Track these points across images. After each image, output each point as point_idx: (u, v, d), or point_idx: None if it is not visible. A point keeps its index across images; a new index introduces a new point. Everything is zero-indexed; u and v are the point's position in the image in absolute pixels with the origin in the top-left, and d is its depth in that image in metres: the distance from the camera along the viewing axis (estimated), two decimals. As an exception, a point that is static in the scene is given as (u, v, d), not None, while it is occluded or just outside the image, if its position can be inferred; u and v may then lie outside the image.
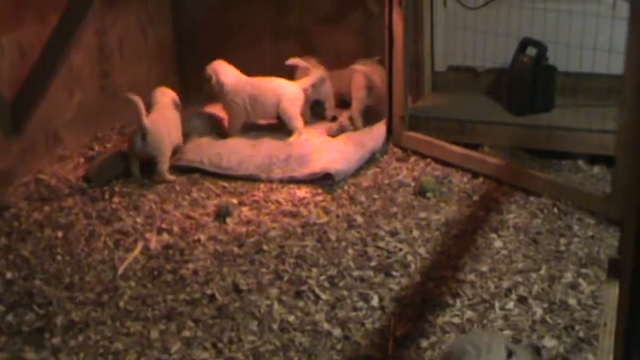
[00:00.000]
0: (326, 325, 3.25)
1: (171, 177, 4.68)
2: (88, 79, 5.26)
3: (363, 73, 5.19)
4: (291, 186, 4.54)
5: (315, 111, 5.32)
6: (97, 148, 5.14)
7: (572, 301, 3.32)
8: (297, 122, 4.99)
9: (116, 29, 5.52)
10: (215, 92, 5.07)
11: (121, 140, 5.21)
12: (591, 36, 4.49)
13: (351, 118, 5.15)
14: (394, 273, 3.61)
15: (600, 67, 4.60)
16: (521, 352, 2.68)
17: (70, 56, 4.68)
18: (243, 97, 4.99)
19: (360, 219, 4.12)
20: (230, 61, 5.25)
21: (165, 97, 5.00)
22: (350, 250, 3.82)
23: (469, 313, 3.27)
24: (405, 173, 4.65)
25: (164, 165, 4.70)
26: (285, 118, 4.98)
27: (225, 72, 5.06)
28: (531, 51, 4.92)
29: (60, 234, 4.06)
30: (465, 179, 4.53)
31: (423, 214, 4.15)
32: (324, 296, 3.45)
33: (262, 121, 5.16)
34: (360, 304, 3.39)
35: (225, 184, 4.62)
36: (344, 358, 3.09)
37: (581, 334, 3.10)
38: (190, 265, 3.75)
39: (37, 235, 4.05)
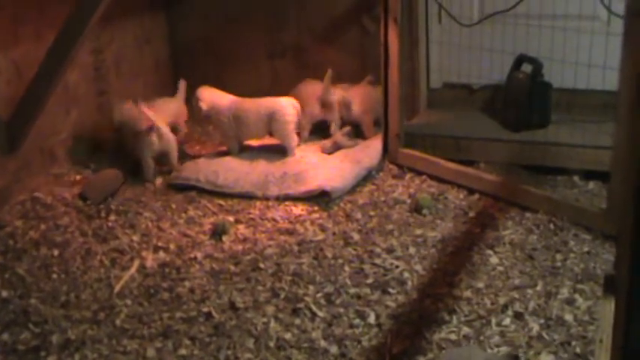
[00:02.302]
0: (322, 343, 3.24)
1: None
2: (85, 97, 5.27)
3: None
4: (288, 203, 4.55)
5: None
6: (92, 166, 5.15)
7: (568, 317, 3.31)
8: (291, 141, 4.96)
9: (112, 48, 5.54)
10: (208, 115, 5.10)
11: (118, 158, 5.23)
12: (586, 52, 4.51)
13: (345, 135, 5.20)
14: (391, 290, 3.60)
15: (595, 84, 4.62)
16: None
17: (67, 74, 4.68)
18: (227, 116, 5.00)
19: (356, 236, 4.12)
20: (226, 79, 5.27)
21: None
22: (346, 268, 3.82)
23: (465, 330, 3.26)
24: (400, 190, 4.65)
25: (175, 156, 5.01)
26: (277, 137, 4.99)
27: (206, 97, 5.07)
28: (527, 67, 4.94)
29: (56, 252, 4.06)
30: (461, 196, 4.54)
31: (419, 231, 4.15)
32: (320, 313, 3.45)
33: (254, 142, 5.15)
34: (357, 321, 3.38)
35: (222, 202, 4.62)
36: (341, 375, 3.09)
37: (577, 350, 3.10)
38: (187, 283, 3.74)
39: (33, 253, 4.05)
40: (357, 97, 5.26)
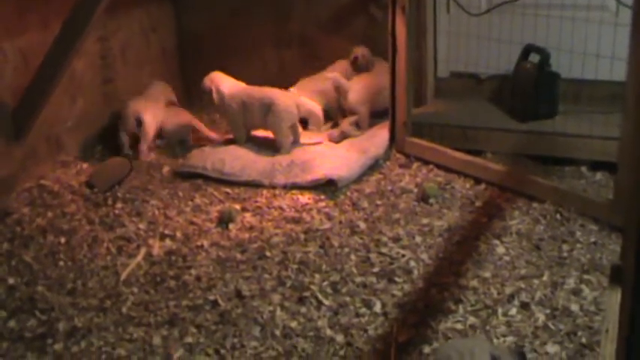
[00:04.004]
0: (328, 331, 3.25)
1: None
2: (91, 85, 5.27)
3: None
4: (294, 192, 4.54)
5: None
6: (99, 154, 5.17)
7: (574, 307, 3.31)
8: (283, 138, 4.90)
9: (119, 36, 5.54)
10: (215, 102, 5.07)
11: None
12: (594, 43, 4.50)
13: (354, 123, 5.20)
14: (397, 279, 3.60)
15: (603, 74, 4.60)
16: (506, 357, 2.68)
17: (73, 63, 4.68)
18: (238, 103, 4.97)
19: (362, 225, 4.12)
20: (232, 68, 5.27)
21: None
22: (353, 256, 3.82)
23: (472, 319, 3.26)
24: (407, 179, 4.65)
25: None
26: (271, 131, 4.96)
27: (223, 82, 5.05)
28: (534, 57, 4.93)
29: (62, 240, 4.07)
30: (468, 185, 4.53)
31: (425, 221, 4.15)
32: (326, 302, 3.45)
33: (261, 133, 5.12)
34: (363, 310, 3.39)
35: (228, 190, 4.62)
36: (346, 364, 3.10)
37: (583, 340, 3.09)
38: (193, 271, 3.75)
39: (40, 240, 4.06)
40: (356, 85, 5.24)
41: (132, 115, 5.15)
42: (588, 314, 3.26)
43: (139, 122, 5.15)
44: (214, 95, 5.03)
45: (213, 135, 5.31)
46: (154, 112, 5.28)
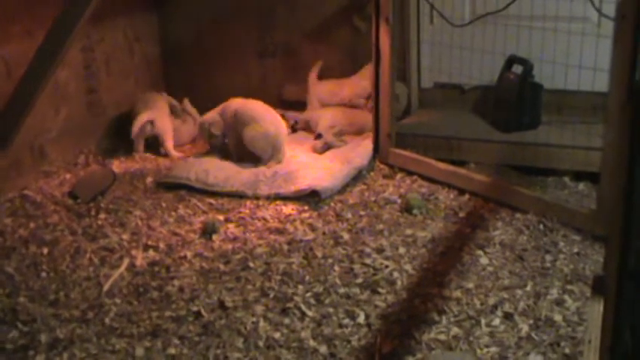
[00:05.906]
0: (312, 342, 3.24)
1: None
2: (74, 95, 5.26)
3: None
4: (278, 203, 4.54)
5: None
6: (82, 164, 5.15)
7: (557, 318, 3.32)
8: (261, 153, 4.94)
9: (103, 46, 5.53)
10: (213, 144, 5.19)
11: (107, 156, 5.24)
12: (576, 54, 4.52)
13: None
14: (380, 290, 3.60)
15: (585, 85, 4.62)
16: None
17: (57, 73, 4.67)
18: (229, 123, 5.04)
19: (346, 236, 4.12)
20: (215, 78, 5.27)
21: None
22: (336, 267, 3.81)
23: (455, 330, 3.26)
24: (391, 190, 4.65)
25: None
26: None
27: (214, 122, 5.10)
28: (517, 68, 4.95)
29: (45, 250, 4.04)
30: (452, 196, 4.54)
31: (409, 231, 4.15)
32: (310, 313, 3.44)
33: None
34: (346, 321, 3.38)
35: (212, 200, 4.61)
36: (330, 375, 3.09)
37: (566, 351, 3.10)
38: (176, 282, 3.73)
39: (22, 251, 4.03)
40: (327, 114, 5.36)
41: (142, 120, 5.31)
42: (571, 324, 3.27)
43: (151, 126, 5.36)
44: (214, 134, 5.11)
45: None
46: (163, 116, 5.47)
